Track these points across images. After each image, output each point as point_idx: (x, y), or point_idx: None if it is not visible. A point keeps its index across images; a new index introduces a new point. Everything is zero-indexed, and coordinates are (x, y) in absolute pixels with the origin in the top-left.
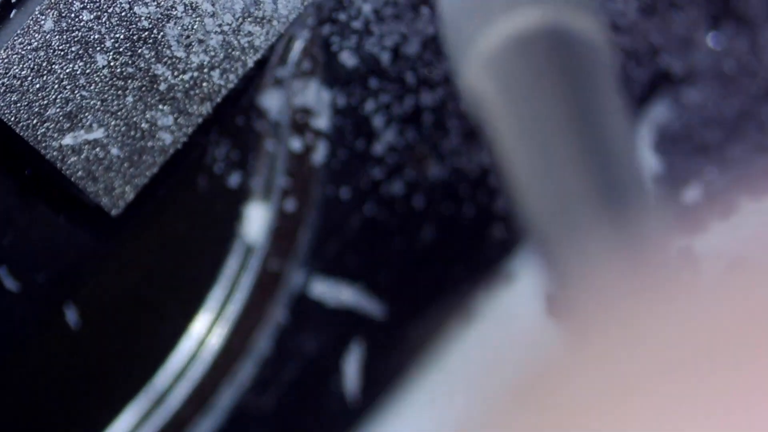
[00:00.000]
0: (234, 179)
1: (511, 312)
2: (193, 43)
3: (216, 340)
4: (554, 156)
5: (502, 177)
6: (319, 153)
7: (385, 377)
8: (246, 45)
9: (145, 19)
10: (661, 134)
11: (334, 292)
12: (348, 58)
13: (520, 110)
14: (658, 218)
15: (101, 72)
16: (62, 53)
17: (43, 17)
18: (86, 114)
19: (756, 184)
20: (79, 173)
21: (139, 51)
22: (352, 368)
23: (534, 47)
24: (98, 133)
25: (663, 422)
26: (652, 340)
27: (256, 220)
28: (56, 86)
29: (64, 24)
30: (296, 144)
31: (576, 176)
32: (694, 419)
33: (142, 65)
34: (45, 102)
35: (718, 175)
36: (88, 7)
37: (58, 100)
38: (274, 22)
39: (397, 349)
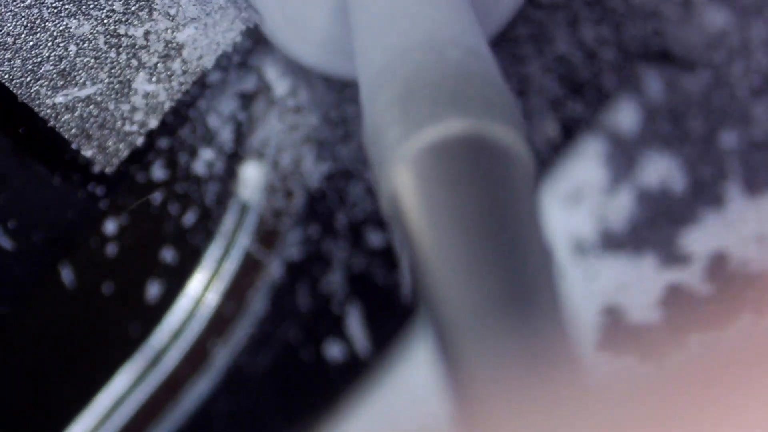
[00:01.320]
0: (229, 137)
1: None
2: (186, 1)
3: (212, 299)
4: (468, 262)
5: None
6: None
7: (381, 337)
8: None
9: None
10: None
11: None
12: None
13: (438, 216)
14: (569, 330)
15: (95, 29)
16: (56, 10)
17: None
18: (80, 72)
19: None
20: (73, 131)
21: (133, 8)
22: (349, 327)
23: (455, 155)
24: (92, 91)
25: None
26: None
27: (252, 179)
28: (50, 44)
29: None
30: (290, 102)
31: (489, 283)
32: None
33: (136, 22)
34: (38, 60)
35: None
36: None
37: (51, 58)
38: None
39: (394, 310)
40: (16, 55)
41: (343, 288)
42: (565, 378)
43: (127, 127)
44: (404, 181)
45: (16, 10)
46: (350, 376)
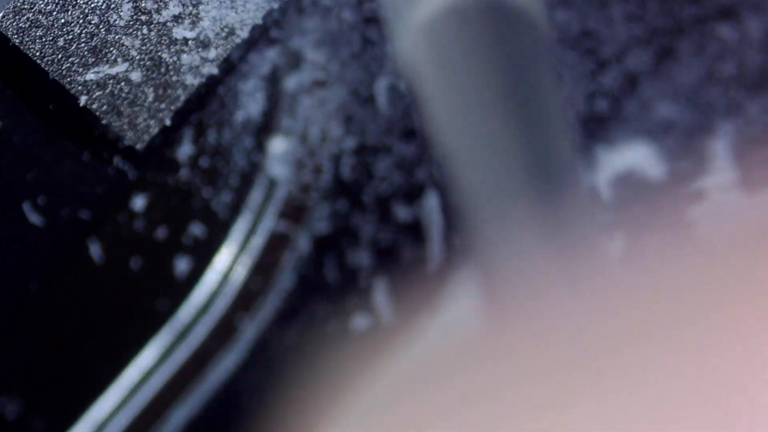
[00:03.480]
0: (257, 112)
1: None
2: None
3: (240, 273)
4: (486, 131)
5: (431, 149)
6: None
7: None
8: None
9: None
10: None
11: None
12: None
13: (453, 81)
14: (590, 203)
15: (126, 6)
16: None
17: None
18: (111, 48)
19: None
20: (104, 108)
21: None
22: (376, 301)
23: (471, 18)
24: (123, 68)
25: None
26: (576, 334)
27: (280, 153)
28: (81, 21)
29: None
30: (319, 76)
31: (508, 153)
32: (606, 414)
33: None
34: (70, 37)
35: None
36: None
37: (83, 35)
38: None
39: (419, 283)
40: (48, 32)
41: (371, 262)
42: (592, 268)
43: (158, 104)
44: (419, 47)
45: None
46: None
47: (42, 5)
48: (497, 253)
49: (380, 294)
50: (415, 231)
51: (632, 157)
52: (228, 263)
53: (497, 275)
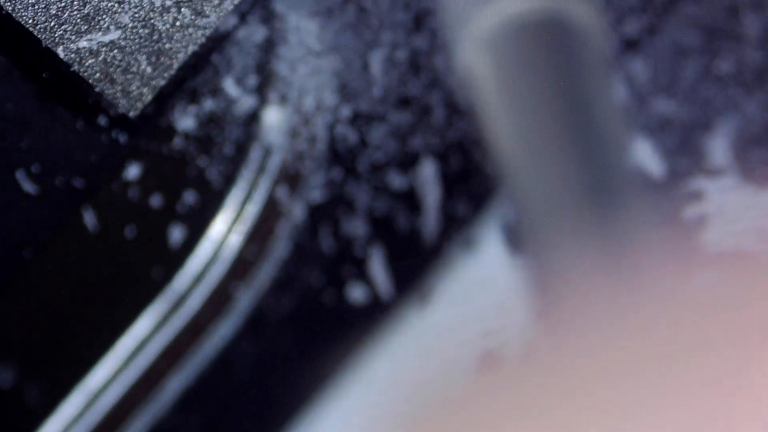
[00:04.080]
0: (252, 81)
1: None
2: None
3: (235, 242)
4: (543, 143)
5: (489, 156)
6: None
7: (405, 280)
8: None
9: None
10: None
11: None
12: None
13: (512, 93)
14: (647, 216)
15: None
16: None
17: None
18: (104, 16)
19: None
20: (97, 75)
21: None
22: (372, 270)
23: (531, 31)
24: (116, 35)
25: (633, 420)
26: (631, 338)
27: (274, 122)
28: None
29: None
30: (314, 45)
31: (564, 165)
32: (662, 418)
33: None
34: (62, 4)
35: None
36: None
37: (75, 2)
38: None
39: (417, 253)
40: (40, 0)
41: (366, 231)
42: (644, 282)
43: (151, 72)
44: (481, 57)
45: None
46: (373, 319)
47: None
48: (555, 264)
49: (375, 263)
50: (411, 199)
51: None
52: (223, 232)
53: (554, 286)
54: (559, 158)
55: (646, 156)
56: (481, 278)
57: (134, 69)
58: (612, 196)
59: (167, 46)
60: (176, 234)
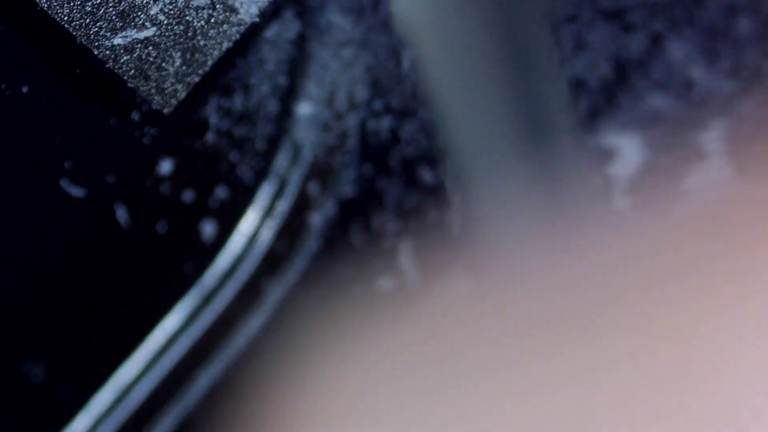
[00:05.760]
0: (284, 76)
1: None
2: None
3: (265, 237)
4: (480, 83)
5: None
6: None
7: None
8: None
9: None
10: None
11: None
12: None
13: (450, 34)
14: (581, 158)
15: None
16: None
17: None
18: (138, 13)
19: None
20: (131, 72)
21: None
22: (402, 264)
23: None
24: (150, 32)
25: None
26: (566, 285)
27: (306, 117)
28: None
29: None
30: (345, 40)
31: (500, 108)
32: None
33: None
34: (98, 1)
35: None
36: None
37: (110, 0)
38: None
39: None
40: None
41: (396, 225)
42: (591, 224)
43: (185, 68)
44: (417, 4)
45: None
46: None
47: None
48: (488, 208)
49: (405, 257)
50: (440, 194)
51: (621, 147)
52: (254, 227)
53: (487, 231)
54: (494, 101)
55: (634, 149)
56: None
57: (168, 66)
58: (547, 139)
59: (201, 42)
60: (208, 229)
